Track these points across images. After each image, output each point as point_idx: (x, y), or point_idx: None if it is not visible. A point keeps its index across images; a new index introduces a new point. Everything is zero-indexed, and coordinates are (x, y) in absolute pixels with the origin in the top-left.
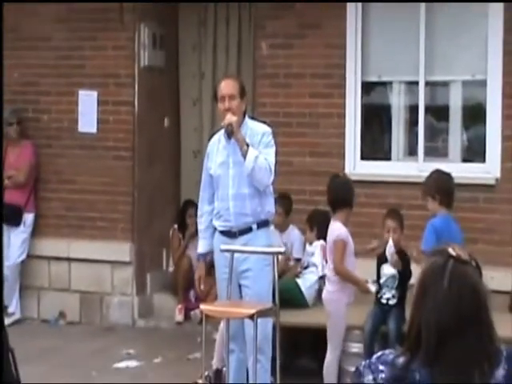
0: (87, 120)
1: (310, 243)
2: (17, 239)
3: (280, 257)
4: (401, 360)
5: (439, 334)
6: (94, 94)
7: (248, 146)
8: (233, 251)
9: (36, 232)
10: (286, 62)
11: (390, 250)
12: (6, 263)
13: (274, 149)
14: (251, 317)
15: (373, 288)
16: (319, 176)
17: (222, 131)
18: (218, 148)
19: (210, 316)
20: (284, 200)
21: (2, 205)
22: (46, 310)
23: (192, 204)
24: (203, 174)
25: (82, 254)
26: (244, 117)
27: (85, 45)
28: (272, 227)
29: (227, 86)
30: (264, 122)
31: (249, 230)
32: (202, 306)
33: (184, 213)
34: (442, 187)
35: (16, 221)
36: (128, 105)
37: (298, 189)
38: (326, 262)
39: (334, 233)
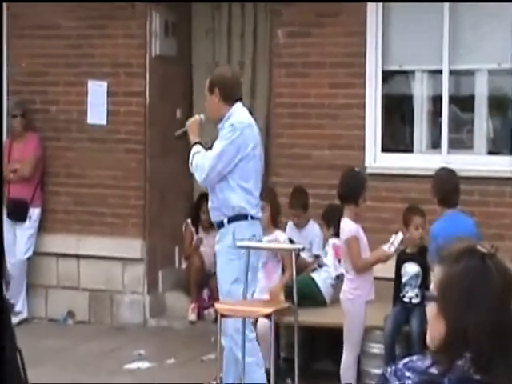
0: (97, 111)
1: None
2: (23, 235)
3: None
4: (433, 367)
5: (494, 337)
6: (104, 84)
7: (197, 144)
8: (248, 247)
9: (43, 227)
10: (304, 50)
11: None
12: (12, 260)
13: (223, 144)
14: (268, 316)
15: (392, 248)
16: (338, 169)
17: None
18: None
19: (224, 315)
20: (300, 194)
21: (2, 198)
22: (54, 309)
23: (207, 198)
24: None
25: (91, 250)
26: (227, 111)
27: (94, 33)
28: (290, 223)
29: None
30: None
31: (221, 224)
32: (217, 305)
33: (198, 207)
34: (437, 187)
35: (22, 216)
36: (139, 95)
37: (317, 183)
38: (339, 261)
39: (345, 231)
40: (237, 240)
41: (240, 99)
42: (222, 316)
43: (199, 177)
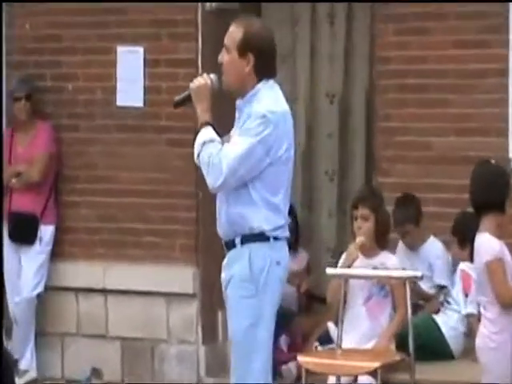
0: (130, 89)
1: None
2: (30, 263)
3: None
4: None
5: None
6: (140, 50)
7: (207, 125)
8: (341, 276)
9: (58, 252)
10: None
11: None
12: (16, 298)
13: (250, 141)
14: (373, 373)
15: None
16: (471, 163)
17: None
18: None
19: (311, 371)
20: (407, 203)
21: (2, 212)
22: (73, 366)
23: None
24: None
25: (122, 283)
26: (253, 86)
27: None
28: (401, 242)
29: (228, 33)
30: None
31: (232, 244)
32: (300, 358)
33: None
34: None
35: (29, 236)
36: (188, 65)
37: (440, 183)
38: (466, 295)
39: (483, 250)
40: (254, 269)
41: (274, 76)
42: (308, 373)
43: (213, 180)
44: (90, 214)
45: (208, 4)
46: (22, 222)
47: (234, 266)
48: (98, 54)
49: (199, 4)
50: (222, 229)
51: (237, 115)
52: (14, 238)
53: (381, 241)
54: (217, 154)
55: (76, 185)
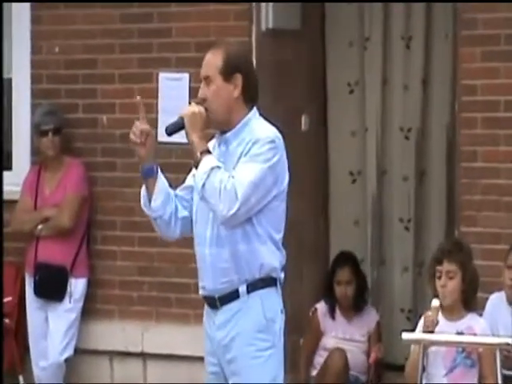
0: (173, 121)
1: None
2: (59, 323)
3: None
4: None
5: None
6: (186, 76)
7: (206, 153)
8: (426, 342)
9: (90, 310)
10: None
11: None
12: (42, 362)
13: (261, 167)
14: None
15: None
16: None
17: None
18: None
19: None
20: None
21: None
22: None
23: (346, 260)
24: None
25: (164, 346)
26: (246, 114)
27: None
28: (491, 299)
29: (204, 65)
30: (274, 128)
31: (234, 295)
32: None
33: (333, 276)
34: None
35: (57, 292)
36: None
37: None
38: None
39: None
40: (268, 317)
41: (257, 100)
42: None
43: (227, 207)
44: (126, 266)
45: (264, 24)
46: (49, 275)
47: (240, 321)
48: (137, 82)
49: (254, 24)
50: (217, 280)
51: (219, 150)
52: (40, 292)
53: (468, 301)
54: (228, 180)
55: (111, 232)
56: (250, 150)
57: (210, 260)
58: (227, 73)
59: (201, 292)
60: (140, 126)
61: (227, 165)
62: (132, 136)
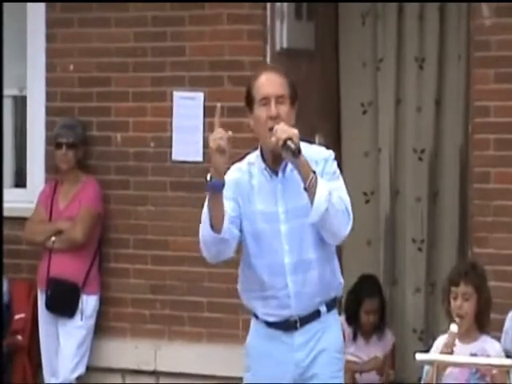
0: (188, 140)
1: None
2: (70, 339)
3: None
4: None
5: None
6: (200, 95)
7: (315, 173)
8: (440, 363)
9: (102, 327)
10: None
11: None
12: (52, 380)
13: (343, 183)
14: None
15: None
16: None
17: (255, 160)
18: (250, 188)
19: None
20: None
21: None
22: None
23: (374, 287)
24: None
25: (177, 365)
26: None
27: (185, 15)
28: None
29: (272, 83)
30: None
31: (315, 315)
32: None
33: (358, 300)
34: None
35: (68, 309)
36: None
37: None
38: None
39: None
40: (342, 339)
41: None
42: None
43: (346, 227)
44: (139, 284)
45: (278, 44)
46: (61, 290)
47: (321, 340)
48: (151, 100)
49: (268, 44)
50: (300, 305)
51: (269, 178)
52: (51, 307)
53: (482, 323)
54: (341, 201)
55: (124, 250)
56: (324, 166)
57: (293, 287)
58: (294, 97)
59: (272, 319)
60: (226, 132)
61: (290, 188)
62: (221, 142)
